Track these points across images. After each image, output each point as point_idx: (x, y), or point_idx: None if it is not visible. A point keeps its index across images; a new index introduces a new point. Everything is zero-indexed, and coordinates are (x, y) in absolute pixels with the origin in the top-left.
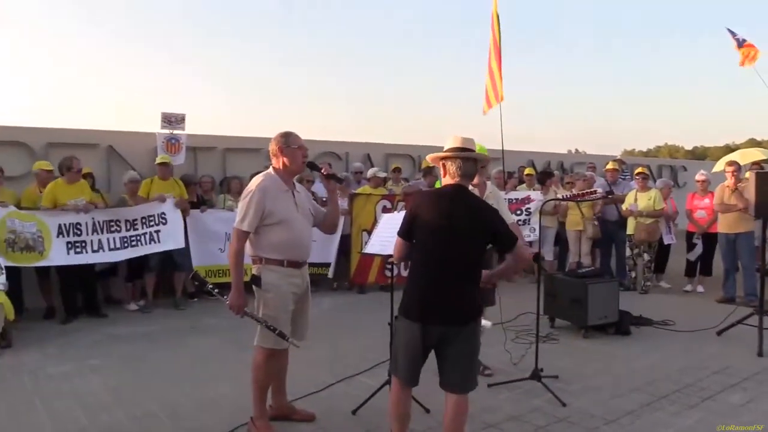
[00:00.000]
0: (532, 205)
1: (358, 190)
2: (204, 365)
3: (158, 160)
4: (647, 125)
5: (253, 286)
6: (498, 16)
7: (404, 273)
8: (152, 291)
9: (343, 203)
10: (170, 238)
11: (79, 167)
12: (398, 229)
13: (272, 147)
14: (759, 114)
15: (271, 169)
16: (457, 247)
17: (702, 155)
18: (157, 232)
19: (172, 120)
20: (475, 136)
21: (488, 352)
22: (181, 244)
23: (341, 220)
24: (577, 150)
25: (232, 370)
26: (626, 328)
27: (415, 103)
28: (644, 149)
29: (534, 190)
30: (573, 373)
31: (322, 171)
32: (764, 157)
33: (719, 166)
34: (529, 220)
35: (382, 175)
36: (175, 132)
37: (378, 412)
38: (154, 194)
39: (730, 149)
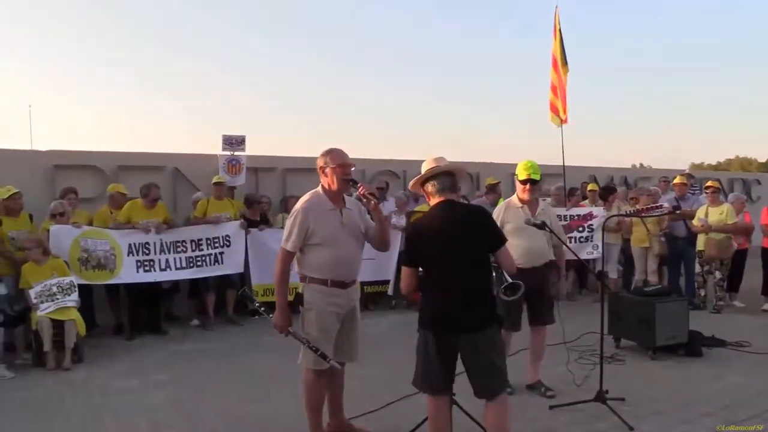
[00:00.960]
0: (595, 222)
1: (417, 208)
2: (265, 382)
3: (214, 180)
4: (716, 137)
5: (299, 305)
6: (560, 30)
7: None
8: (212, 309)
9: (400, 220)
10: (232, 262)
11: (156, 196)
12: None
13: (318, 165)
14: None
15: (319, 188)
16: (461, 258)
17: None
18: (221, 254)
19: (232, 142)
20: (536, 153)
21: (550, 373)
22: (241, 269)
23: (398, 237)
24: (641, 164)
25: (292, 387)
26: (697, 349)
27: (478, 122)
28: (714, 162)
29: (597, 206)
30: (640, 395)
31: (359, 191)
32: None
33: None
34: (592, 236)
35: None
36: (236, 153)
37: None
38: (211, 214)
39: None
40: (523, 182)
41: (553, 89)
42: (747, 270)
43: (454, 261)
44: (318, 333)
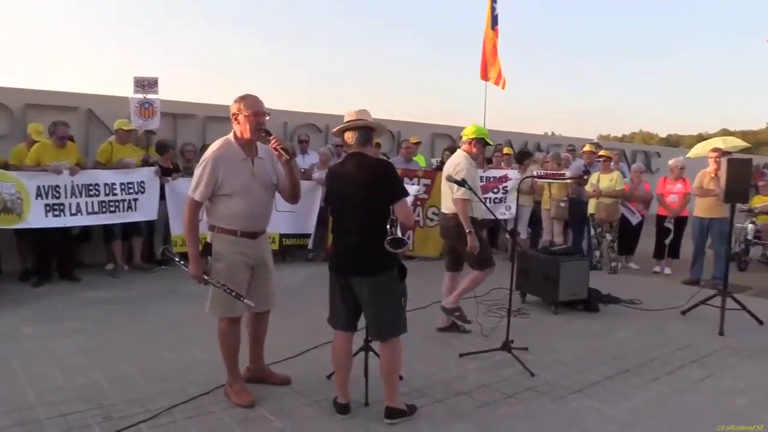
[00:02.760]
0: (509, 184)
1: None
2: (181, 330)
3: (116, 125)
4: (623, 112)
5: (206, 255)
6: None
7: None
8: (120, 256)
9: (323, 174)
10: (145, 208)
11: (64, 134)
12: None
13: (231, 111)
14: (731, 105)
15: (231, 135)
16: (356, 205)
17: (675, 143)
18: (135, 200)
19: (144, 84)
20: (455, 112)
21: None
22: (154, 216)
23: (320, 191)
24: (553, 132)
25: (209, 334)
26: (595, 306)
27: (398, 78)
28: (619, 135)
29: (512, 168)
30: (542, 346)
31: (271, 144)
32: (746, 145)
33: (694, 152)
34: (506, 198)
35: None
36: (149, 96)
37: (353, 377)
38: (115, 160)
39: (702, 138)
40: (474, 140)
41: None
42: (643, 235)
43: (354, 208)
44: (227, 282)
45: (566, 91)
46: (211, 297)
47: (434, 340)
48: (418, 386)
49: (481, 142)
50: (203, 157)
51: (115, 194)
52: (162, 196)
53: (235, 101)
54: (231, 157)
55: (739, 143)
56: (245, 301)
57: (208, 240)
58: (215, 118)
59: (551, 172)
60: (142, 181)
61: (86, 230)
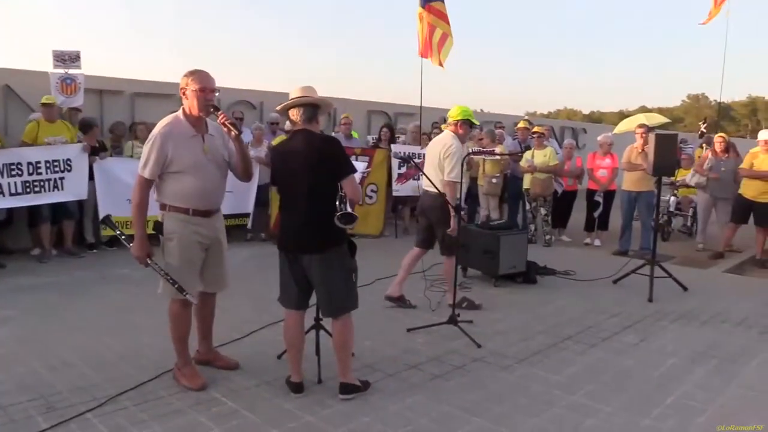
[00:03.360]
0: None
1: (275, 140)
2: (119, 315)
3: (42, 100)
4: (549, 89)
5: (158, 234)
6: None
7: None
8: (48, 240)
9: (260, 152)
10: (73, 187)
11: None
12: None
13: (180, 87)
14: (649, 83)
15: (180, 111)
16: (303, 182)
17: (598, 120)
18: (62, 179)
19: (65, 58)
20: (388, 89)
21: (407, 300)
22: (84, 196)
23: (257, 169)
24: (482, 110)
25: (151, 320)
26: (533, 278)
27: (335, 54)
28: (545, 112)
29: None
30: (486, 318)
31: (219, 119)
32: (668, 121)
33: (620, 128)
34: None
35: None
36: (70, 71)
37: (305, 355)
38: (43, 139)
39: (624, 115)
40: (461, 122)
41: (431, 29)
42: (575, 209)
43: (302, 186)
44: (180, 263)
45: (493, 67)
46: (163, 279)
47: (381, 317)
48: (369, 362)
49: (467, 123)
50: (151, 134)
51: (40, 173)
52: (91, 177)
53: (184, 76)
54: (180, 133)
55: (661, 119)
56: (186, 295)
57: (159, 219)
58: (144, 95)
59: (486, 149)
60: (68, 159)
61: (8, 213)
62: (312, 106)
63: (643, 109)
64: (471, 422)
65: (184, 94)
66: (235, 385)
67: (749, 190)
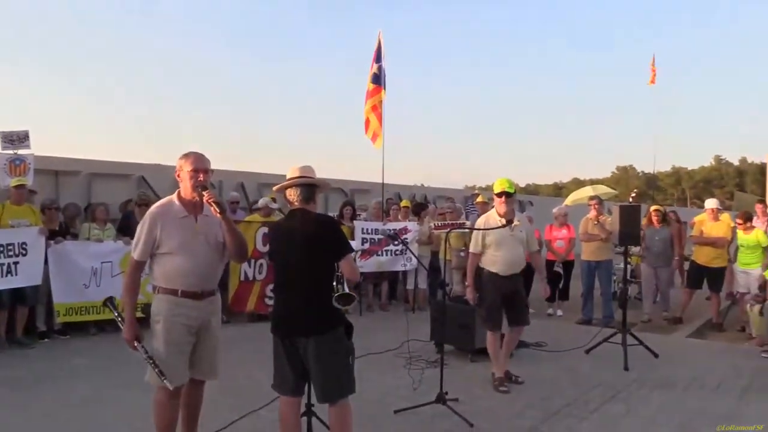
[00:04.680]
0: (409, 236)
1: (246, 218)
2: (87, 410)
3: (13, 182)
4: (484, 163)
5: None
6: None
7: None
8: (3, 328)
9: None
10: (28, 273)
11: None
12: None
13: (176, 170)
14: (580, 156)
15: (175, 193)
16: (300, 262)
17: (534, 192)
18: (16, 264)
19: (13, 139)
20: (344, 171)
21: (385, 379)
22: (38, 281)
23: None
24: (422, 184)
25: (124, 412)
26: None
27: (288, 132)
28: (483, 185)
29: (410, 221)
30: (470, 394)
31: (205, 198)
32: (615, 192)
33: (570, 199)
34: (406, 250)
35: (274, 205)
36: (20, 152)
37: None
38: (6, 221)
39: (558, 187)
40: (499, 195)
41: (377, 113)
42: (535, 280)
43: (298, 266)
44: (165, 346)
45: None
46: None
47: (365, 399)
48: None
49: (506, 195)
50: (145, 215)
51: None
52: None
53: (179, 158)
54: (171, 214)
55: (609, 190)
56: (164, 381)
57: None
58: (101, 175)
59: (452, 222)
60: (23, 243)
61: None
62: (310, 186)
63: (576, 181)
64: None
65: (179, 176)
66: None
67: (701, 256)
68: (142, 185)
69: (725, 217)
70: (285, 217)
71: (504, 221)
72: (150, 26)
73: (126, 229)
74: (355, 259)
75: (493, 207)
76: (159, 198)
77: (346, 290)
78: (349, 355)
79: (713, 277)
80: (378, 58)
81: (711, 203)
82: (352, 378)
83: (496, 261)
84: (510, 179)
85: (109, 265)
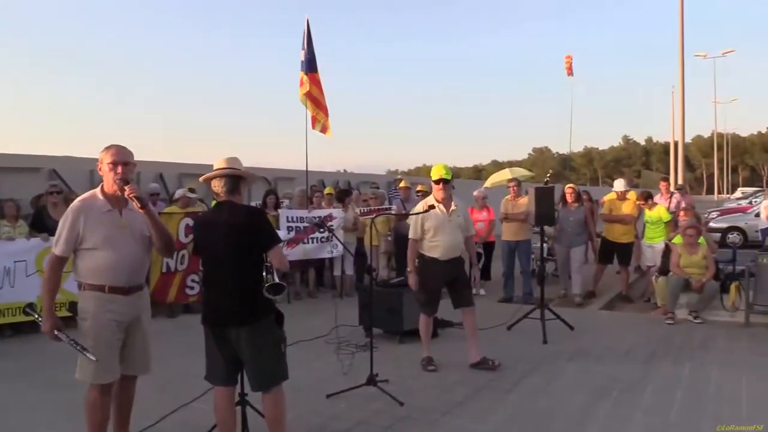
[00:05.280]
0: (335, 223)
1: (166, 210)
2: (15, 413)
3: None
4: (410, 147)
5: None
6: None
7: None
8: None
9: None
10: None
11: None
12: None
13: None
14: (499, 139)
15: (99, 187)
16: (228, 254)
17: (455, 175)
18: None
19: None
20: (267, 159)
21: (316, 365)
22: None
23: None
24: (345, 170)
25: (41, 417)
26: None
27: (210, 120)
28: (406, 169)
29: (334, 207)
30: (399, 375)
31: (126, 193)
32: (532, 174)
33: (490, 182)
34: (332, 237)
35: (192, 195)
36: None
37: None
38: None
39: (478, 169)
40: (437, 182)
41: (313, 99)
42: None
43: (226, 258)
44: (95, 343)
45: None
46: (79, 362)
47: (297, 386)
48: None
49: (443, 182)
50: (67, 210)
51: None
52: None
53: (101, 152)
54: (94, 208)
55: (526, 172)
56: (87, 354)
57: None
58: (7, 169)
59: (378, 207)
60: None
61: None
62: (235, 178)
63: (495, 163)
64: None
65: (100, 169)
66: None
67: (611, 233)
68: (53, 178)
69: (632, 195)
70: (211, 209)
71: (443, 207)
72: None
73: (39, 225)
74: (282, 248)
75: (417, 192)
76: (72, 191)
77: (276, 280)
78: (281, 343)
79: (622, 253)
80: (307, 44)
81: (619, 185)
82: (284, 365)
83: (435, 246)
84: (447, 165)
85: (23, 264)
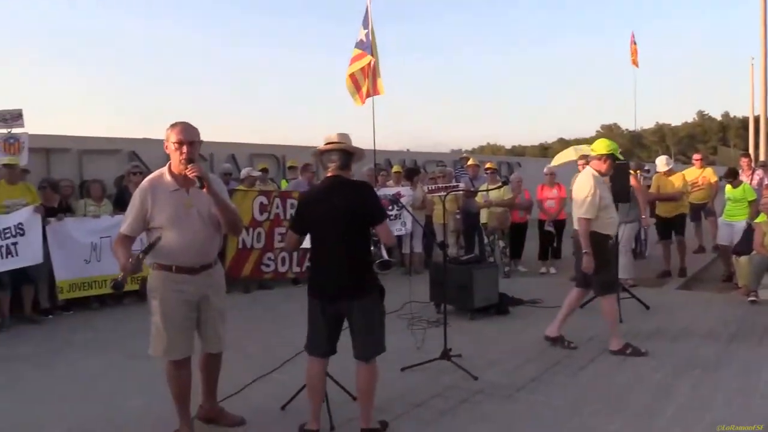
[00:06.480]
0: (404, 200)
1: (239, 187)
2: (97, 382)
3: (4, 161)
4: (470, 127)
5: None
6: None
7: (282, 269)
8: (7, 307)
9: None
10: (28, 252)
11: None
12: (290, 224)
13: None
14: (564, 116)
15: (166, 166)
16: (340, 230)
17: (521, 153)
18: (14, 244)
19: (6, 117)
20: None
21: (389, 339)
22: (40, 260)
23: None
24: (408, 149)
25: (132, 383)
26: (505, 308)
27: (278, 102)
28: (469, 149)
29: (402, 186)
30: (472, 351)
31: (187, 172)
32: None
33: (557, 160)
34: (401, 215)
35: (257, 174)
36: (13, 131)
37: (306, 406)
38: (2, 201)
39: (544, 148)
40: (606, 157)
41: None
42: (527, 239)
43: (340, 232)
44: (163, 321)
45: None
46: (151, 338)
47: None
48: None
49: (612, 158)
50: (136, 190)
51: None
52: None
53: (167, 129)
54: (161, 187)
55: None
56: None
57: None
58: (91, 152)
59: (446, 185)
60: (20, 224)
61: None
62: (347, 153)
63: (562, 141)
64: None
65: (167, 148)
66: None
67: (663, 210)
68: (132, 160)
69: (708, 171)
70: (320, 184)
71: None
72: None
73: (122, 203)
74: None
75: (486, 170)
76: (151, 172)
77: (385, 256)
78: (383, 316)
79: (676, 225)
80: (365, 24)
81: (661, 162)
82: (384, 338)
83: (611, 223)
84: (609, 142)
85: (108, 240)
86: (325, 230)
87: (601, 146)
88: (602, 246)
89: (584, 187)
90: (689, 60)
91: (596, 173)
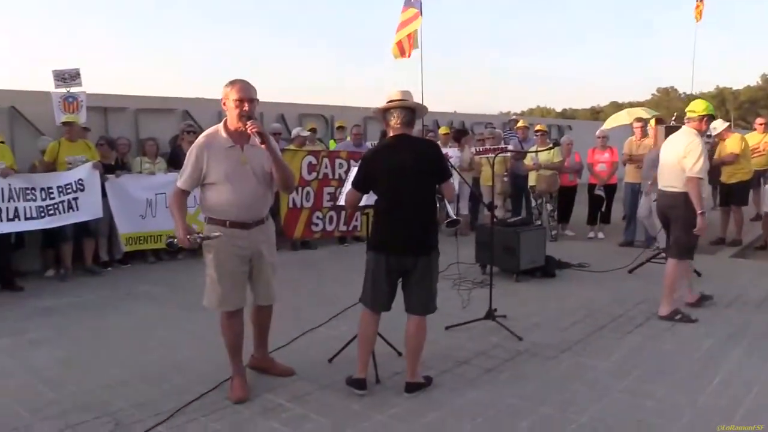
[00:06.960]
0: (451, 162)
1: (289, 147)
2: (153, 331)
3: (63, 119)
4: (520, 88)
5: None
6: None
7: (329, 228)
8: (70, 259)
9: None
10: (89, 207)
11: None
12: (352, 181)
13: (222, 98)
14: (618, 78)
15: (222, 123)
16: (410, 187)
17: (571, 116)
18: (75, 199)
19: (65, 77)
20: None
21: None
22: (100, 214)
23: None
24: (455, 111)
25: (187, 333)
26: (551, 271)
27: (326, 62)
28: (518, 111)
29: (450, 147)
30: (517, 312)
31: (247, 128)
32: (649, 116)
33: (609, 123)
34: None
35: (306, 134)
36: (72, 90)
37: (352, 360)
38: (63, 158)
39: (596, 111)
40: (707, 117)
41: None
42: (576, 203)
43: (406, 189)
44: (218, 275)
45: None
46: (206, 291)
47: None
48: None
49: (710, 118)
50: (192, 146)
51: (53, 197)
52: (104, 194)
53: (224, 86)
54: (216, 144)
55: (644, 114)
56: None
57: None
58: (147, 110)
59: (494, 147)
60: (80, 179)
61: (18, 237)
62: (410, 110)
63: (614, 105)
64: (537, 411)
65: (224, 104)
66: (297, 391)
67: (724, 176)
68: (186, 119)
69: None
70: (387, 142)
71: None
72: None
73: (176, 161)
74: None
75: (536, 132)
76: (203, 131)
77: (452, 214)
78: (438, 274)
79: (733, 193)
80: None
81: (718, 124)
82: (436, 296)
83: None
84: (707, 103)
85: (163, 196)
86: (394, 187)
87: (701, 107)
88: (693, 209)
89: (696, 146)
90: (754, 19)
91: (697, 132)
